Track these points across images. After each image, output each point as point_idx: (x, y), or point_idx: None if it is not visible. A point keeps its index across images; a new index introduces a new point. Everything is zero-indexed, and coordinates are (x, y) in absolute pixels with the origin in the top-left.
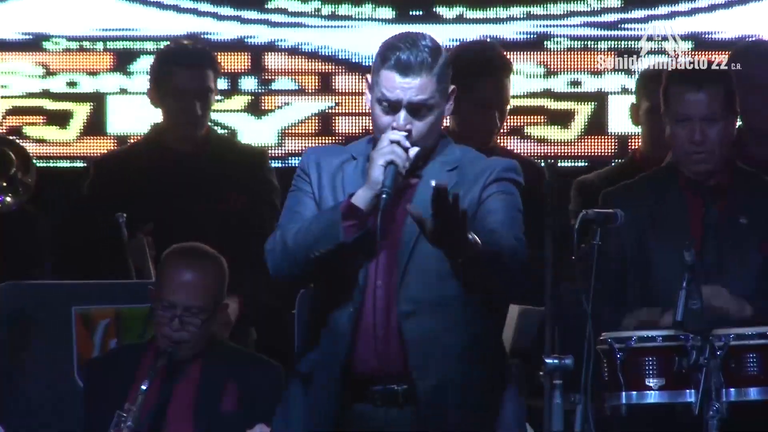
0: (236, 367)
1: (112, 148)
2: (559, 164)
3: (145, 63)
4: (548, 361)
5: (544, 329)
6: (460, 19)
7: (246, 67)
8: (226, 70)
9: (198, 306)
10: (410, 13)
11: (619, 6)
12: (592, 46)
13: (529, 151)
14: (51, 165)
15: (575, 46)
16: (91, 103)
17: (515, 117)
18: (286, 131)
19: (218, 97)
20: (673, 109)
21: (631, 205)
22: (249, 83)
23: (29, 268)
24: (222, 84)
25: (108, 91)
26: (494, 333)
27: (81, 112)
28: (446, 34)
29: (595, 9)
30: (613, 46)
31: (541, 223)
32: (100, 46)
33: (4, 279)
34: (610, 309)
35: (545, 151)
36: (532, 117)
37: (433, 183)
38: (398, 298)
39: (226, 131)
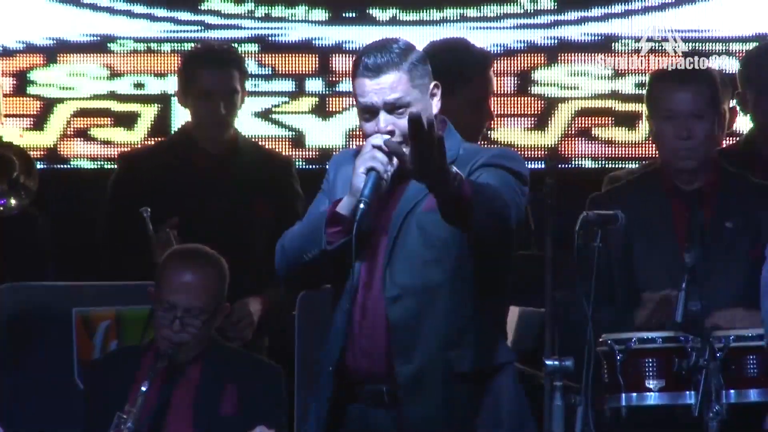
0: (236, 369)
1: None
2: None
3: None
4: (548, 362)
5: (544, 331)
6: (394, 21)
7: (313, 69)
8: (292, 72)
9: (199, 307)
10: (344, 15)
11: (553, 8)
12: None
13: (596, 153)
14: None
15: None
16: (158, 105)
17: (582, 118)
18: (353, 133)
19: (284, 100)
20: (660, 107)
21: (617, 209)
22: (315, 85)
23: (31, 270)
24: (288, 86)
25: (174, 93)
26: (486, 322)
27: (147, 113)
28: (381, 36)
29: (529, 11)
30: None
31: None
32: (166, 47)
33: (5, 280)
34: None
35: (613, 152)
36: (599, 118)
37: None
38: (384, 284)
39: (293, 133)
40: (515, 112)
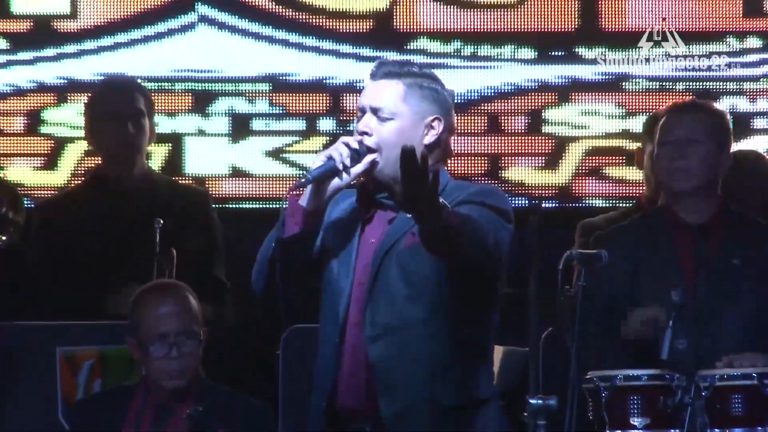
0: (226, 411)
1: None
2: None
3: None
4: (532, 401)
5: (528, 369)
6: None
7: (325, 108)
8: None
9: (189, 330)
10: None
11: (7, 48)
12: None
13: (607, 191)
14: None
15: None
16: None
17: (593, 157)
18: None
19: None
20: (659, 135)
21: (623, 246)
22: (327, 124)
23: (18, 306)
24: (300, 125)
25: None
26: (468, 355)
27: None
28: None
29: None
30: None
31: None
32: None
33: None
34: (597, 351)
35: (624, 191)
36: (610, 157)
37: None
38: (364, 323)
39: (303, 172)
40: (526, 151)
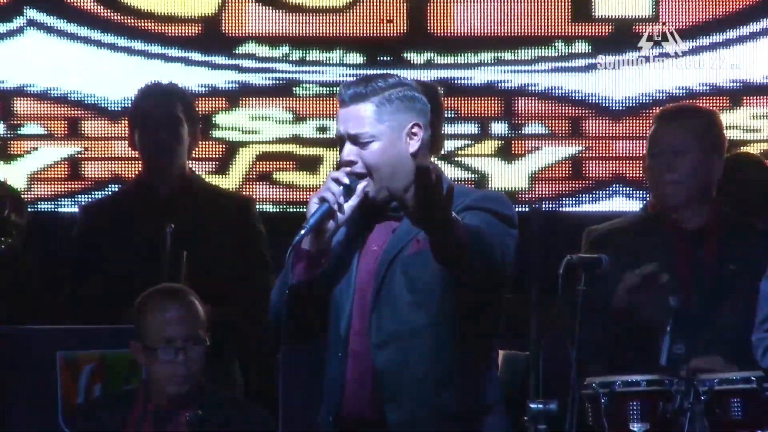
0: (226, 416)
1: None
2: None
3: None
4: (533, 405)
5: (528, 374)
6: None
7: (497, 112)
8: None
9: (196, 335)
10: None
11: None
12: None
13: None
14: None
15: None
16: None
17: None
18: (537, 176)
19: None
20: (648, 144)
21: (618, 250)
22: (500, 128)
23: (17, 311)
24: (472, 128)
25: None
26: (473, 362)
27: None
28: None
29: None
30: None
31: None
32: None
33: None
34: (595, 358)
35: None
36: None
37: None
38: (370, 330)
39: (475, 176)
40: None
